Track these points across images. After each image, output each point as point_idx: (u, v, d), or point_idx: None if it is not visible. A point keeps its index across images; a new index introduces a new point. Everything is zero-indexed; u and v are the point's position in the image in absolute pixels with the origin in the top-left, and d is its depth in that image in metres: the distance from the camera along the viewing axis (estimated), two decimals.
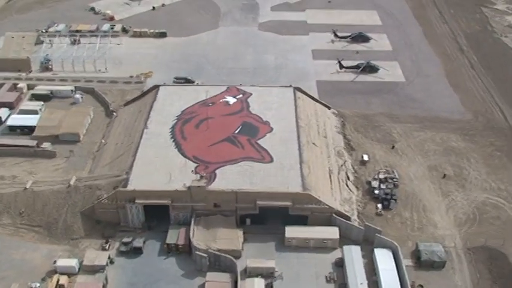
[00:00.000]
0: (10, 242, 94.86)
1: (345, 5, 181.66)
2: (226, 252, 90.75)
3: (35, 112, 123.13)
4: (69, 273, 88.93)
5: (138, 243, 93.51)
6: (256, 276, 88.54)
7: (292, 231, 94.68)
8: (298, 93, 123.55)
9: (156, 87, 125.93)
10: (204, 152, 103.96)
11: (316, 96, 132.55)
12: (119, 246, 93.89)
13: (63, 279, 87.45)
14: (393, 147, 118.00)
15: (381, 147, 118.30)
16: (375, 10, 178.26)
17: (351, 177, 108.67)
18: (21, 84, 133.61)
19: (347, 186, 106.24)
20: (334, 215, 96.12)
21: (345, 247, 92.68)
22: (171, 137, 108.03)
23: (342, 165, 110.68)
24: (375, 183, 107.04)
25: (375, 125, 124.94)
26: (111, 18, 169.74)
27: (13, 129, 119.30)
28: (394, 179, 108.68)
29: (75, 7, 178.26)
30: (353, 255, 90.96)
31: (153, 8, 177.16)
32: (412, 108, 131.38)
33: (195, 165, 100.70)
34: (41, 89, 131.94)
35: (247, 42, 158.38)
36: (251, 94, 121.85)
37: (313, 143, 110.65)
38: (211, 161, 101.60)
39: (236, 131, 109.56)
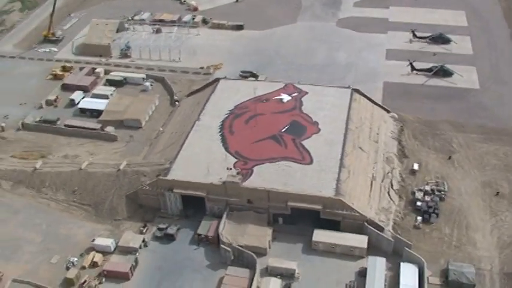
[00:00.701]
0: (60, 217, 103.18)
1: (433, 3, 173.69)
2: (252, 249, 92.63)
3: (105, 97, 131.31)
4: (105, 252, 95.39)
5: (171, 230, 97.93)
6: (277, 275, 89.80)
7: (320, 235, 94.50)
8: (356, 95, 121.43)
9: (217, 80, 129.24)
10: (246, 148, 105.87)
11: (380, 98, 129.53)
12: (155, 231, 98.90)
13: (98, 257, 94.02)
14: (450, 157, 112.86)
15: (436, 157, 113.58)
16: (463, 10, 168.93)
17: (396, 186, 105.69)
18: (99, 69, 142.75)
19: (388, 194, 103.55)
20: (365, 223, 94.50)
21: (370, 257, 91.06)
22: (219, 131, 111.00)
23: (388, 173, 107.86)
24: (418, 194, 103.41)
25: (436, 133, 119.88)
26: (195, 9, 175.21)
27: (83, 112, 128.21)
28: (442, 192, 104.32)
29: None
30: (377, 266, 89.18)
31: (237, 0, 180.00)
32: (480, 117, 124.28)
33: (235, 160, 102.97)
34: (116, 75, 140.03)
35: (322, 38, 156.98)
36: (307, 93, 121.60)
37: (360, 147, 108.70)
38: (251, 158, 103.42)
39: (283, 130, 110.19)
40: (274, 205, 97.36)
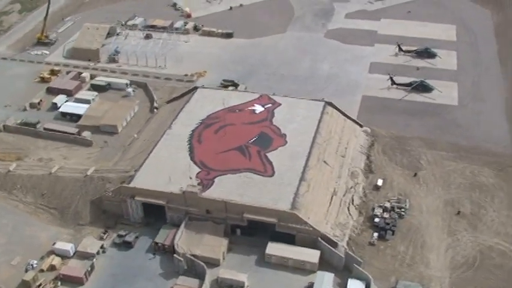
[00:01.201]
0: (27, 219, 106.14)
1: (425, 17, 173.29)
2: (206, 259, 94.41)
3: (87, 102, 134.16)
4: (64, 256, 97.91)
5: (129, 237, 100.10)
6: (227, 287, 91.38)
7: (273, 248, 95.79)
8: (328, 108, 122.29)
9: (195, 89, 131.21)
10: (211, 158, 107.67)
11: (356, 112, 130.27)
12: (114, 238, 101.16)
13: (56, 261, 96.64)
14: (415, 174, 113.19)
15: (402, 173, 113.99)
16: (454, 25, 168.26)
17: (357, 201, 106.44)
18: (85, 74, 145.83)
19: (348, 209, 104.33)
20: (319, 238, 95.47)
21: (318, 272, 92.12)
22: (188, 140, 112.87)
23: (351, 188, 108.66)
24: (378, 211, 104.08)
25: (406, 149, 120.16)
26: (188, 16, 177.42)
27: (64, 116, 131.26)
28: (402, 209, 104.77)
29: (161, 1, 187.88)
30: (324, 281, 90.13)
31: (231, 8, 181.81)
32: (453, 135, 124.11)
33: (198, 170, 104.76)
34: (100, 80, 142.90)
35: (308, 49, 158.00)
36: (280, 104, 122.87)
37: (325, 161, 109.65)
38: (214, 168, 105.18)
39: (250, 141, 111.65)
40: (231, 216, 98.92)
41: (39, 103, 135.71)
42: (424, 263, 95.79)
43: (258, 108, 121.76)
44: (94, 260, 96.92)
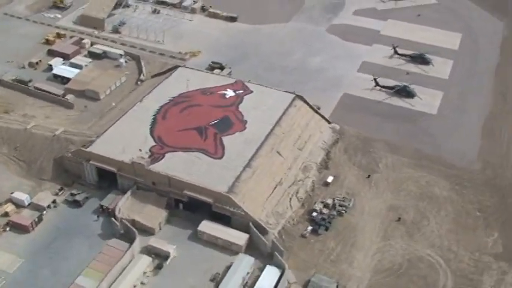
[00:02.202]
0: None
1: (434, 22, 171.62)
2: (143, 227, 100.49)
3: (80, 67, 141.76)
4: (19, 205, 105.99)
5: (79, 197, 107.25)
6: (152, 255, 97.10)
7: (206, 226, 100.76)
8: (297, 101, 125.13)
9: (176, 67, 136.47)
10: (169, 134, 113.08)
11: (332, 108, 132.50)
12: (67, 196, 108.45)
13: (10, 208, 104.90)
14: (368, 176, 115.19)
15: (357, 174, 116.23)
16: (460, 33, 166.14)
17: (302, 194, 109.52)
18: (86, 40, 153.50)
19: (290, 201, 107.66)
20: (250, 223, 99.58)
21: (240, 255, 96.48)
22: (153, 115, 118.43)
23: (300, 180, 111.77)
24: (318, 206, 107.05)
25: (368, 150, 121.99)
26: None
27: (56, 77, 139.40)
28: (344, 208, 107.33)
29: None
30: (242, 264, 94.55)
31: None
32: (421, 142, 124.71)
33: (154, 144, 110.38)
34: (97, 48, 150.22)
35: (305, 41, 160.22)
36: (251, 92, 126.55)
37: (278, 152, 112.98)
38: (168, 144, 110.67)
39: (211, 123, 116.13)
40: (173, 191, 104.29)
41: (37, 63, 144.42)
42: (348, 262, 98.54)
43: (229, 93, 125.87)
44: (44, 212, 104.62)
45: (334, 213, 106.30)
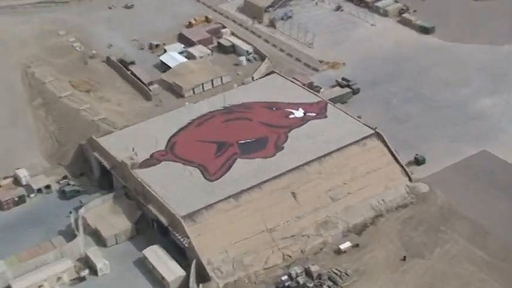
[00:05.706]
0: (30, 138, 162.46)
1: None
2: (100, 236, 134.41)
3: (193, 57, 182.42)
4: (19, 183, 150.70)
5: (67, 188, 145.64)
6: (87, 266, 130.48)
7: (152, 252, 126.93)
8: (372, 140, 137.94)
9: (272, 73, 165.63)
10: (184, 143, 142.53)
11: (444, 165, 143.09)
12: (62, 185, 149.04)
13: (4, 183, 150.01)
14: (404, 258, 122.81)
15: (392, 250, 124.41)
16: None
17: (292, 252, 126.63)
18: (225, 30, 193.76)
19: (271, 253, 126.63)
20: (194, 261, 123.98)
21: None
22: (191, 119, 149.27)
23: (304, 235, 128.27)
24: (295, 269, 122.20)
25: (439, 228, 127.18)
26: None
27: (163, 65, 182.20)
28: (333, 285, 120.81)
29: None
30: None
31: None
32: None
33: (160, 149, 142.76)
34: (227, 39, 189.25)
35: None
36: (325, 117, 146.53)
37: (293, 193, 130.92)
38: (174, 152, 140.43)
39: (241, 141, 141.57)
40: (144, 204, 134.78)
41: (157, 46, 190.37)
42: None
43: (297, 114, 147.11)
44: (32, 195, 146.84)
45: None
